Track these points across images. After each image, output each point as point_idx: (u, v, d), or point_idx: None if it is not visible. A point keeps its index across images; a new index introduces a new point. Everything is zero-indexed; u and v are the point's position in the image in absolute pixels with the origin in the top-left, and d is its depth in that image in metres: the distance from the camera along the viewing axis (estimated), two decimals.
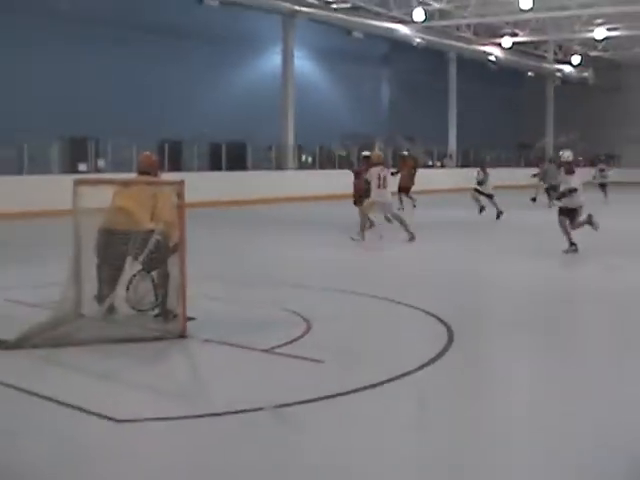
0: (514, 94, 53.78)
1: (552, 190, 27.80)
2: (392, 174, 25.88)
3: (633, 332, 9.39)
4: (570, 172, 16.01)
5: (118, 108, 29.32)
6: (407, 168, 27.18)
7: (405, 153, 29.22)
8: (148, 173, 9.62)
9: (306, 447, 5.62)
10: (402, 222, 17.61)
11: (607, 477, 5.17)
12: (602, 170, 33.79)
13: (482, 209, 23.83)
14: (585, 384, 7.22)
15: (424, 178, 33.94)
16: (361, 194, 19.02)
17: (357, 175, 20.30)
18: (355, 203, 19.78)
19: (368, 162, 19.98)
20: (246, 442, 5.67)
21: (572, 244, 15.70)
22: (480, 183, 24.06)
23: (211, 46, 34.43)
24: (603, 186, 32.89)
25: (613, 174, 35.57)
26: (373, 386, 6.78)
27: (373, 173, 17.51)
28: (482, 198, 23.79)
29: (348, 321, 9.68)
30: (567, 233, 15.78)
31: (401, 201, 26.34)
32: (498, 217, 23.27)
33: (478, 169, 24.73)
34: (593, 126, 55.17)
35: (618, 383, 7.25)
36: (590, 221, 16.10)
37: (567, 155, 16.17)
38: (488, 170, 24.36)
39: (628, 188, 43.47)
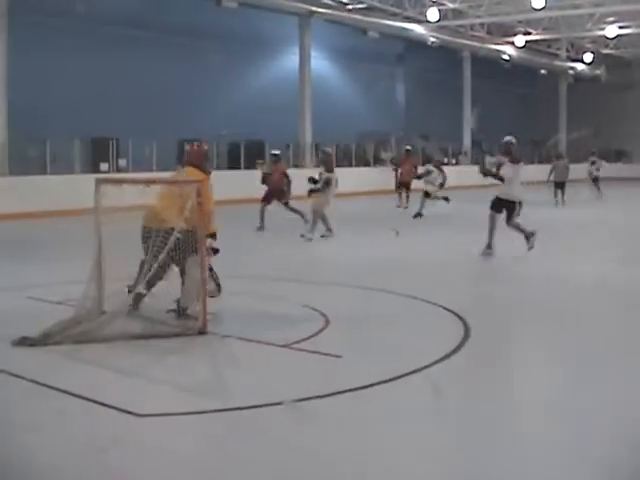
0: (527, 92, 53.76)
1: (560, 187, 28.90)
2: (394, 170, 26.02)
3: None
4: (510, 159, 14.88)
5: (138, 108, 29.41)
6: (409, 164, 27.16)
7: (409, 148, 28.72)
8: (197, 166, 9.50)
9: (324, 440, 5.70)
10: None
11: (624, 472, 5.26)
12: (593, 163, 33.27)
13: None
14: (600, 381, 7.24)
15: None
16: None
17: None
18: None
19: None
20: (265, 436, 5.77)
21: (489, 246, 14.96)
22: (427, 180, 23.79)
23: (229, 47, 34.57)
24: (595, 180, 32.72)
25: (606, 168, 34.74)
26: (389, 380, 6.87)
27: None
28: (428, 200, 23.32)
29: (366, 317, 9.73)
30: (491, 230, 14.90)
31: (400, 196, 26.92)
32: (415, 217, 22.72)
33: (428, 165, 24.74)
34: (605, 123, 55.09)
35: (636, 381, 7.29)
36: (528, 235, 15.05)
37: (508, 139, 15.16)
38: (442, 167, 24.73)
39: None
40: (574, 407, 6.47)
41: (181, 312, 8.96)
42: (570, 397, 6.77)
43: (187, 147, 10.22)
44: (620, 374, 7.44)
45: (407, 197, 26.62)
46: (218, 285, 9.24)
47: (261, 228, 19.47)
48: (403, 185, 26.99)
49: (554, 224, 21.33)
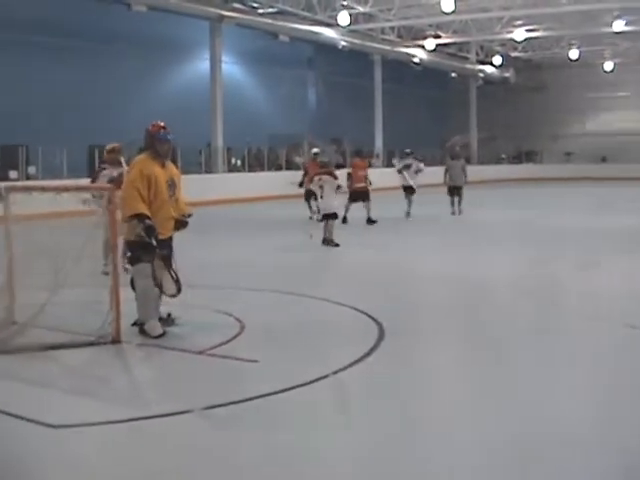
0: (439, 94, 54.40)
1: (456, 192, 25.28)
2: (304, 176, 24.23)
3: (551, 323, 9.73)
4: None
5: (48, 115, 29.04)
6: (315, 168, 23.60)
7: (316, 151, 25.20)
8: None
9: (236, 447, 5.70)
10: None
11: (533, 470, 5.38)
12: (408, 167, 24.57)
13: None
14: (509, 379, 7.43)
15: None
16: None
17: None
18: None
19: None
20: (179, 444, 5.75)
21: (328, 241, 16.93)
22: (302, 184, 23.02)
23: (140, 51, 34.28)
24: (409, 191, 24.44)
25: (425, 174, 25.50)
26: (306, 384, 6.91)
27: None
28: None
29: (281, 321, 9.76)
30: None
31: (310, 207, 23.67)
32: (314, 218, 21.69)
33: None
34: (515, 124, 56.17)
35: (542, 380, 7.45)
36: (326, 240, 17.05)
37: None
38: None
39: (549, 183, 44.50)
40: (484, 407, 6.58)
41: (140, 328, 8.78)
42: (480, 397, 6.87)
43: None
44: (529, 373, 7.59)
45: (315, 205, 23.67)
46: (177, 282, 9.04)
47: None
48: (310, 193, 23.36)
49: (463, 224, 21.69)
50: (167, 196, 8.81)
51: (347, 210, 22.00)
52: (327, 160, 19.31)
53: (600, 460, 5.41)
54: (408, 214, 23.87)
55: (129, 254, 8.80)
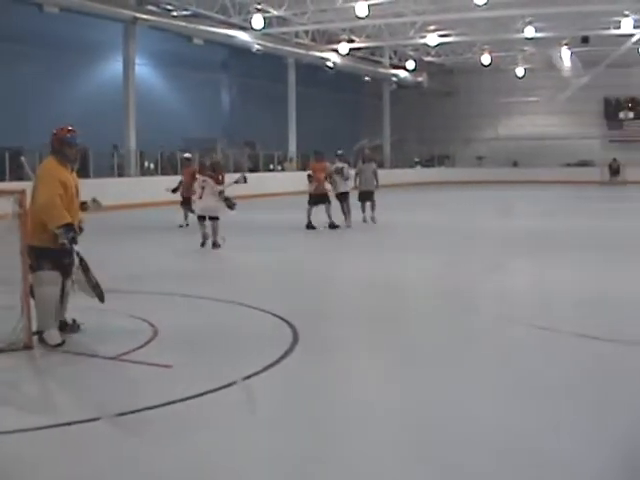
0: (352, 98, 54.78)
1: (368, 198, 23.41)
2: (180, 182, 22.51)
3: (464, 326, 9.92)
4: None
5: None
6: (188, 174, 21.86)
7: (187, 156, 24.52)
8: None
9: (149, 453, 5.67)
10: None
11: (455, 471, 5.48)
12: (339, 172, 22.63)
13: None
14: (421, 380, 7.53)
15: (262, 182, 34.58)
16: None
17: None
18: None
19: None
20: (90, 452, 5.70)
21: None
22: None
23: (53, 53, 33.81)
24: (342, 197, 22.76)
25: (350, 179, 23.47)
26: (220, 388, 6.92)
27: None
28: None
29: (195, 325, 9.74)
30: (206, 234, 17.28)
31: (186, 216, 22.36)
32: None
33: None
34: (428, 128, 56.92)
35: (449, 381, 7.58)
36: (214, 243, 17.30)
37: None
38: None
39: (461, 187, 45.16)
40: (392, 407, 6.68)
41: (39, 336, 8.59)
42: (389, 397, 6.97)
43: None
44: (437, 373, 7.70)
45: (185, 215, 22.33)
46: (97, 287, 8.94)
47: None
48: (185, 201, 22.14)
49: (375, 228, 21.87)
50: (76, 205, 8.78)
51: (309, 214, 21.68)
52: (216, 163, 19.10)
53: (504, 460, 5.53)
54: (348, 222, 22.32)
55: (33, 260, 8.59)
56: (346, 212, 22.37)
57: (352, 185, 23.19)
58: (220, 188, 17.41)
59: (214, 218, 17.33)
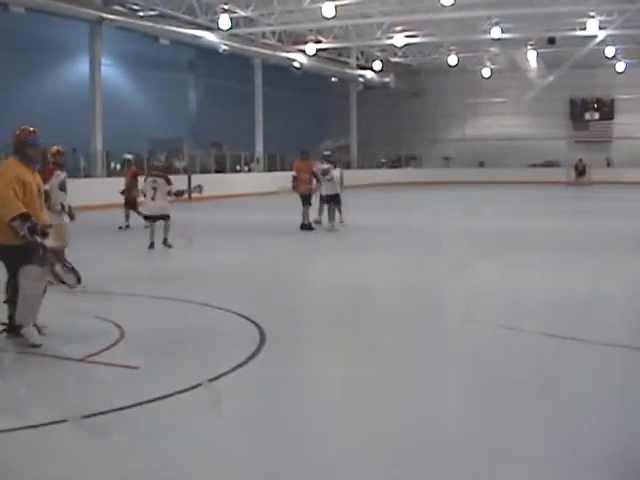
0: (319, 99, 54.84)
1: (333, 201, 22.20)
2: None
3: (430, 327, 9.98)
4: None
5: None
6: (130, 176, 22.45)
7: (128, 157, 23.85)
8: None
9: (116, 456, 5.66)
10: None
11: (428, 469, 5.52)
12: (325, 174, 21.92)
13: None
14: (388, 379, 7.58)
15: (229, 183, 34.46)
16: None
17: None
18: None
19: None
20: (56, 455, 5.68)
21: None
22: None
23: (18, 53, 33.67)
24: (332, 200, 22.13)
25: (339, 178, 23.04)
26: (188, 389, 6.90)
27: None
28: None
29: (162, 326, 9.74)
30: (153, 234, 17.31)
31: (127, 217, 22.29)
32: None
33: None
34: (395, 129, 57.12)
35: (417, 380, 7.66)
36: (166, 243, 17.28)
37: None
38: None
39: (428, 187, 45.33)
40: (359, 407, 6.72)
41: (15, 330, 8.54)
42: (356, 398, 7.02)
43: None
44: (405, 373, 7.78)
45: (127, 216, 22.27)
46: (74, 271, 8.87)
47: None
48: (130, 204, 22.16)
49: (342, 228, 21.92)
50: (38, 204, 8.72)
51: (306, 216, 21.55)
52: (162, 164, 19.21)
53: (475, 459, 5.59)
54: (332, 224, 21.89)
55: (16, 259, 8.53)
56: (332, 215, 21.93)
57: (340, 189, 22.64)
58: (170, 187, 17.52)
59: (166, 217, 17.35)
